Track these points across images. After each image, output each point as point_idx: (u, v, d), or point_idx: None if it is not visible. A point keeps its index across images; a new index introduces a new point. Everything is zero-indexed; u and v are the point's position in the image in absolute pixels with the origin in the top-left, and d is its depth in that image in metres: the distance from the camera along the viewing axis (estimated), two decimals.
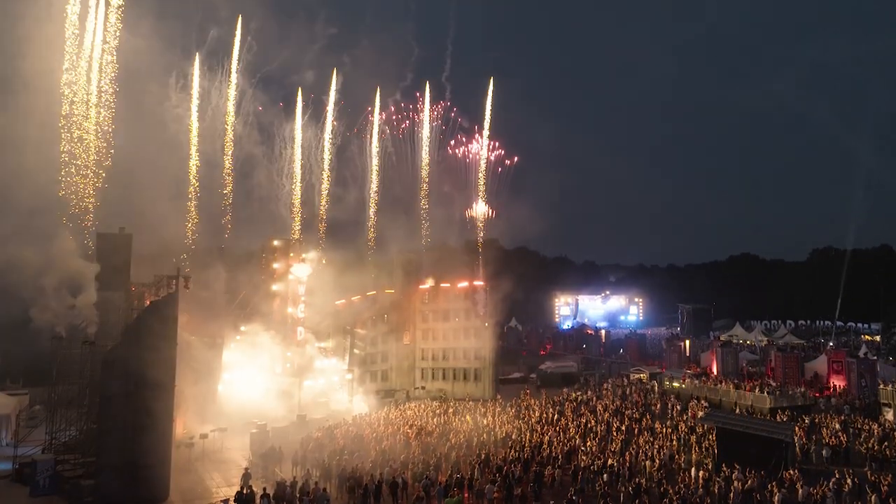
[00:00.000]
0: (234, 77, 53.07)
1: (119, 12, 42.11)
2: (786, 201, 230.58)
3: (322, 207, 57.32)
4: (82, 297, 32.26)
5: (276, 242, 49.10)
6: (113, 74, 42.34)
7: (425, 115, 60.05)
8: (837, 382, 48.68)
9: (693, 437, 33.05)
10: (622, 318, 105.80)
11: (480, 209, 59.34)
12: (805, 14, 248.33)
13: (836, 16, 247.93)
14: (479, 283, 53.55)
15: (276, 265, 48.31)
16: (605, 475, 26.56)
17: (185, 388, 30.60)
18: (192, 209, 50.54)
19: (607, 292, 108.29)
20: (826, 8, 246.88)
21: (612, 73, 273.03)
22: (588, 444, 31.99)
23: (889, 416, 38.23)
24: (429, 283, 54.39)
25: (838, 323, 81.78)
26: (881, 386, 41.70)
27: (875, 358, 52.49)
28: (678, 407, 42.22)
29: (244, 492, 24.45)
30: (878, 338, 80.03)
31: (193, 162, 51.09)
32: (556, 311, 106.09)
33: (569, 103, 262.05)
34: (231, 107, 52.95)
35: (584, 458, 29.40)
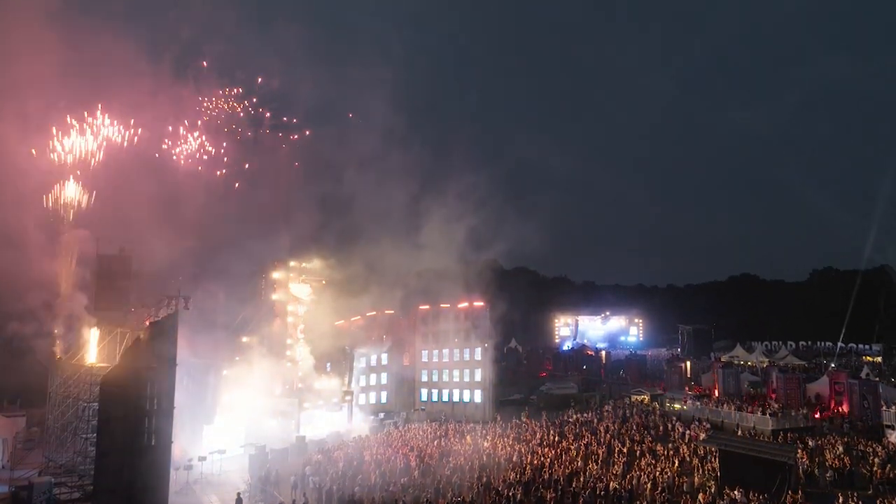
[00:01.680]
0: None
1: None
2: (786, 222, 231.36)
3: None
4: (74, 303, 32.29)
5: (275, 262, 49.19)
6: None
7: None
8: (839, 404, 48.38)
9: (695, 460, 32.80)
10: (622, 338, 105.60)
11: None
12: (805, 36, 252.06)
13: (836, 38, 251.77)
14: (478, 303, 53.44)
15: (275, 286, 48.38)
16: (606, 498, 26.29)
17: (183, 410, 30.41)
18: (190, 228, 50.55)
19: (607, 313, 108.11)
20: (826, 30, 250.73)
21: (612, 94, 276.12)
22: (590, 466, 31.72)
23: (892, 437, 37.95)
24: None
25: (840, 344, 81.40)
26: (884, 408, 41.44)
27: (877, 379, 52.18)
28: (680, 429, 41.93)
29: None
30: (879, 359, 79.63)
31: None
32: (556, 332, 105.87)
33: (568, 123, 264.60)
34: None
35: (585, 480, 29.11)
